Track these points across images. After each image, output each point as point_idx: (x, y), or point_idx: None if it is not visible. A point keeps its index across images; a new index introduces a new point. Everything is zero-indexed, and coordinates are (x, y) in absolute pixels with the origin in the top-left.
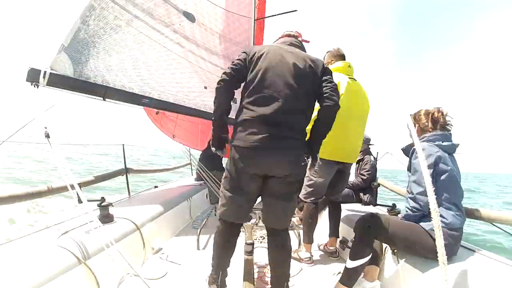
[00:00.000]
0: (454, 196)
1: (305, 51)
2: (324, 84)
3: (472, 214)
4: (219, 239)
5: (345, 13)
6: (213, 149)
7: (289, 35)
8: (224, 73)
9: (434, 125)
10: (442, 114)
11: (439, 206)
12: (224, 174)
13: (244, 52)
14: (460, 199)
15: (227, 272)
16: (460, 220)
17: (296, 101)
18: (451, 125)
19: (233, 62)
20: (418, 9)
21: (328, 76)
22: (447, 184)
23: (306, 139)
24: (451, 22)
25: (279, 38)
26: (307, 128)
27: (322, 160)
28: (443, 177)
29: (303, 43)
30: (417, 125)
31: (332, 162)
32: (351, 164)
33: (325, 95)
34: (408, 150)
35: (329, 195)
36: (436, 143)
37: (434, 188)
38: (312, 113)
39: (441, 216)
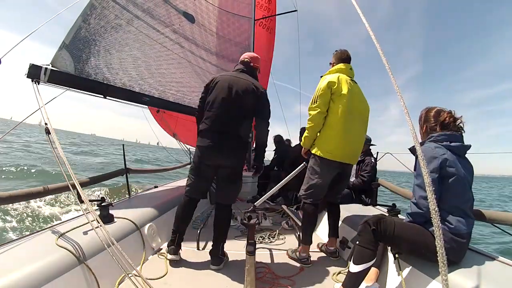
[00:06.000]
0: (461, 201)
1: (254, 75)
2: (258, 105)
3: (478, 216)
4: (181, 210)
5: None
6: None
7: (242, 62)
8: (197, 106)
9: (443, 130)
10: (454, 118)
11: (444, 211)
12: (191, 164)
13: (205, 85)
14: (467, 203)
15: (183, 237)
16: (466, 225)
17: (235, 116)
18: (463, 130)
19: (200, 97)
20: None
21: (263, 101)
22: (454, 188)
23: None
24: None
25: (238, 63)
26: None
27: (324, 160)
28: (449, 180)
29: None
30: (425, 125)
31: (333, 162)
32: (352, 165)
33: (258, 113)
34: (416, 150)
35: (329, 197)
36: (444, 143)
37: (439, 192)
38: (249, 124)
39: (445, 220)
